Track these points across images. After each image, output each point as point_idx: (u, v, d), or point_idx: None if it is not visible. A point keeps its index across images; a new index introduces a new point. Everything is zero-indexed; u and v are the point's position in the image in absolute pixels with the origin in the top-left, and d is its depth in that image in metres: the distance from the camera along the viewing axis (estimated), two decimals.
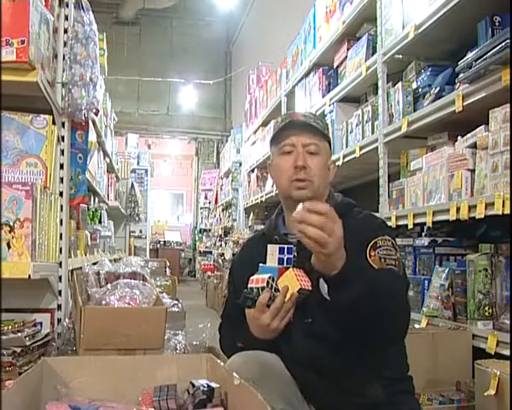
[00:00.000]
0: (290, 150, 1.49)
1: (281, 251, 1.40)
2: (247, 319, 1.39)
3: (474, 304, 2.12)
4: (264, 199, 6.09)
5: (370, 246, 1.36)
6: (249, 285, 1.37)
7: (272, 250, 1.40)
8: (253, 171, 6.89)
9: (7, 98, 1.91)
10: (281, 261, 1.40)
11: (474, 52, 2.06)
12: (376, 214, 2.22)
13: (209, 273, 8.83)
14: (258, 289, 1.35)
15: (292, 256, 1.41)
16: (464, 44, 2.36)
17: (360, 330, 1.29)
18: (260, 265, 1.41)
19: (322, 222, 1.16)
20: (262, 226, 3.83)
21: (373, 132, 3.10)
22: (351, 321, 1.27)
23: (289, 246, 1.42)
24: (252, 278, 1.38)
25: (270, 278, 1.35)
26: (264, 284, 1.34)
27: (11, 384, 1.16)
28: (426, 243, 2.75)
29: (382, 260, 1.34)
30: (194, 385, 1.29)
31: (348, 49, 3.57)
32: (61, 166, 2.23)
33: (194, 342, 2.33)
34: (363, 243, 1.37)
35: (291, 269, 1.39)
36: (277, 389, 1.32)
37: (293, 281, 1.36)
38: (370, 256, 1.35)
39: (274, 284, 1.35)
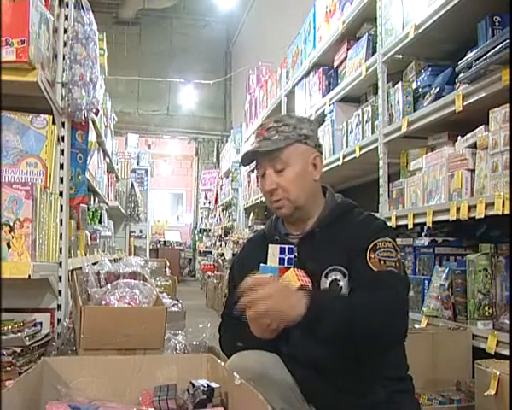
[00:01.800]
0: (262, 173, 1.50)
1: (281, 251, 1.40)
2: (246, 320, 1.39)
3: (474, 304, 2.12)
4: (264, 199, 6.08)
5: (370, 248, 1.36)
6: None
7: (273, 250, 1.41)
8: (252, 171, 6.88)
9: (7, 98, 1.91)
10: (281, 261, 1.40)
11: (474, 52, 2.05)
12: (377, 215, 2.22)
13: (209, 273, 8.83)
14: None
15: (292, 256, 1.42)
16: (464, 44, 2.36)
17: (351, 347, 1.30)
18: (261, 265, 1.41)
19: (255, 297, 1.21)
20: (262, 226, 3.83)
21: (373, 132, 3.10)
22: (337, 344, 1.30)
23: (290, 246, 1.43)
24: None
25: (271, 277, 1.35)
26: None
27: (11, 384, 1.16)
28: (426, 243, 2.74)
29: (382, 262, 1.35)
30: (194, 385, 1.29)
31: (348, 49, 3.57)
32: (61, 167, 2.23)
33: (194, 342, 2.33)
34: (363, 244, 1.37)
35: (292, 269, 1.39)
36: (277, 388, 1.33)
37: (294, 281, 1.37)
38: (370, 258, 1.35)
39: None
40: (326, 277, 1.39)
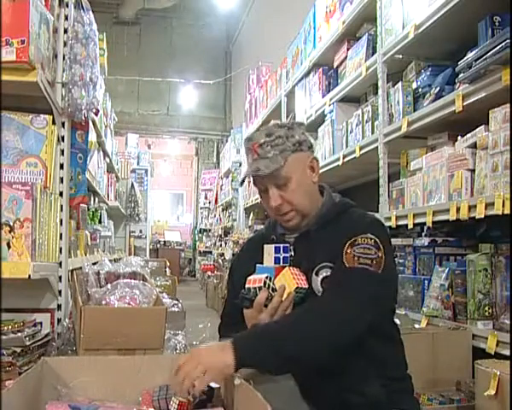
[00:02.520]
0: (264, 190, 1.49)
1: (277, 250, 1.40)
2: (245, 319, 1.39)
3: (474, 304, 2.12)
4: None
5: (349, 243, 1.36)
6: (246, 285, 1.37)
7: (268, 250, 1.41)
8: None
9: (7, 98, 1.91)
10: (277, 260, 1.40)
11: (474, 52, 2.05)
12: (376, 215, 2.21)
13: (209, 273, 8.84)
14: (255, 289, 1.35)
15: (288, 255, 1.42)
16: (464, 44, 2.35)
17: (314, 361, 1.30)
18: (257, 265, 1.41)
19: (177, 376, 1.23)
20: (262, 226, 3.83)
21: (373, 132, 3.10)
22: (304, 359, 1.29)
23: (285, 245, 1.43)
24: (249, 278, 1.38)
25: (267, 277, 1.35)
26: (262, 284, 1.34)
27: (11, 384, 1.17)
28: (426, 243, 2.74)
29: (356, 258, 1.34)
30: (194, 385, 1.28)
31: (348, 49, 3.57)
32: (61, 166, 2.22)
33: (194, 342, 2.32)
34: (346, 240, 1.37)
35: (287, 268, 1.40)
36: (277, 388, 1.33)
37: (290, 280, 1.37)
38: (346, 254, 1.35)
39: (271, 284, 1.35)
40: (317, 274, 1.39)
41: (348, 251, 1.35)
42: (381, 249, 1.36)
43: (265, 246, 1.42)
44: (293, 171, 1.45)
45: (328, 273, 1.38)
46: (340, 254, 1.36)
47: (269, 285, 1.34)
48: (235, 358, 1.21)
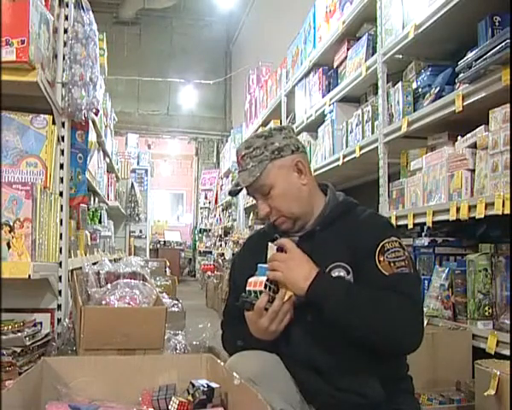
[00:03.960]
0: (253, 197, 1.52)
1: (279, 250, 1.39)
2: (246, 321, 1.39)
3: (474, 304, 2.12)
4: None
5: (378, 251, 1.36)
6: (247, 288, 1.35)
7: (271, 249, 1.40)
8: None
9: (7, 98, 1.91)
10: None
11: (474, 52, 2.05)
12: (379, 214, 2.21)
13: (209, 273, 8.83)
14: (256, 292, 1.33)
15: None
16: (464, 44, 2.35)
17: (356, 340, 1.33)
18: (259, 265, 1.39)
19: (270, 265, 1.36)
20: (262, 226, 3.82)
21: (373, 132, 3.10)
22: (342, 331, 1.32)
23: None
24: (250, 280, 1.37)
25: (267, 280, 1.34)
26: (262, 288, 1.32)
27: (11, 384, 1.17)
28: (426, 243, 2.74)
29: (392, 264, 1.35)
30: (194, 385, 1.29)
31: (348, 49, 3.57)
32: (61, 166, 2.23)
33: (194, 342, 2.33)
34: (370, 246, 1.37)
35: None
36: (277, 388, 1.33)
37: None
38: (380, 262, 1.35)
39: (272, 286, 1.34)
40: (330, 273, 1.39)
41: (381, 259, 1.35)
42: (404, 249, 1.40)
43: (270, 244, 1.41)
44: (274, 179, 1.45)
45: (342, 273, 1.38)
46: (368, 263, 1.35)
47: (270, 287, 1.33)
48: (308, 287, 1.31)
